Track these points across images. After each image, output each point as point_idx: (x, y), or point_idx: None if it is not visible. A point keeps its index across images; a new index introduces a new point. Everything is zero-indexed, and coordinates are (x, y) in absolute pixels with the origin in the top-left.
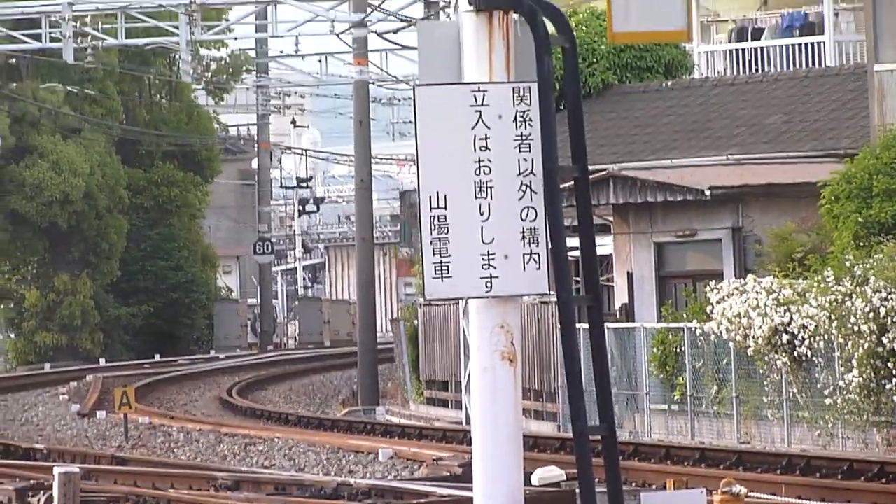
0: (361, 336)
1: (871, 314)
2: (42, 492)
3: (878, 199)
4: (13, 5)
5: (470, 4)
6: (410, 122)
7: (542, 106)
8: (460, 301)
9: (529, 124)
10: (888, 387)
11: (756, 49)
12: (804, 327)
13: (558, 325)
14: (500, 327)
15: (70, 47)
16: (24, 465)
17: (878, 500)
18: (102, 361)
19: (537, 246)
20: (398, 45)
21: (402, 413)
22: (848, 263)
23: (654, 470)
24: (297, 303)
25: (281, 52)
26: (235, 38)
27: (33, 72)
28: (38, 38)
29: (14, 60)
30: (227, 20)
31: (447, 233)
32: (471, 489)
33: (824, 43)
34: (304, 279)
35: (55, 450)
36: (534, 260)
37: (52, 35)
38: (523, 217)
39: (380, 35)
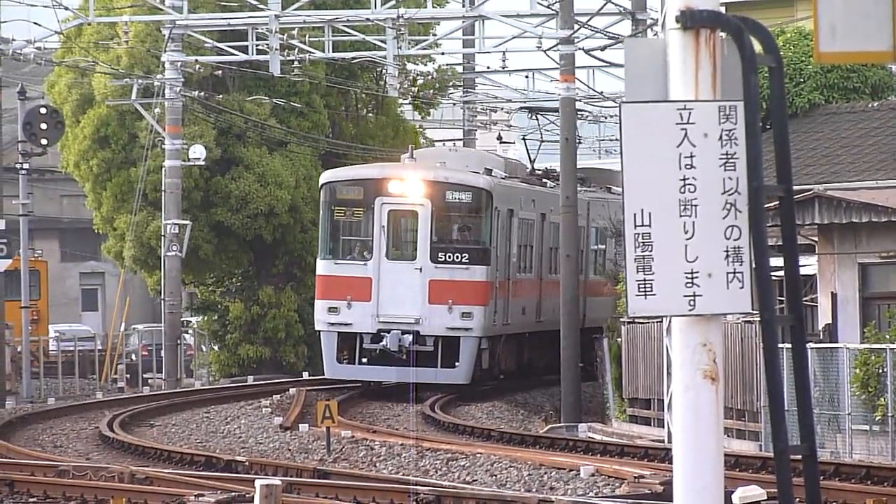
0: (565, 353)
1: None
2: None
3: None
4: (220, 16)
5: (677, 22)
6: (616, 139)
7: (748, 125)
8: (663, 319)
9: (735, 143)
10: None
11: None
12: None
13: (761, 345)
14: (702, 346)
15: (276, 60)
16: (225, 476)
17: None
18: (306, 375)
19: (741, 265)
20: (605, 62)
21: (605, 430)
22: None
23: (855, 490)
24: None
25: (488, 67)
26: (443, 53)
27: (240, 84)
28: (244, 50)
29: (220, 72)
30: (434, 35)
31: (651, 250)
32: None
33: None
34: None
35: (257, 462)
36: (737, 279)
37: (259, 47)
38: (727, 236)
39: (587, 52)
